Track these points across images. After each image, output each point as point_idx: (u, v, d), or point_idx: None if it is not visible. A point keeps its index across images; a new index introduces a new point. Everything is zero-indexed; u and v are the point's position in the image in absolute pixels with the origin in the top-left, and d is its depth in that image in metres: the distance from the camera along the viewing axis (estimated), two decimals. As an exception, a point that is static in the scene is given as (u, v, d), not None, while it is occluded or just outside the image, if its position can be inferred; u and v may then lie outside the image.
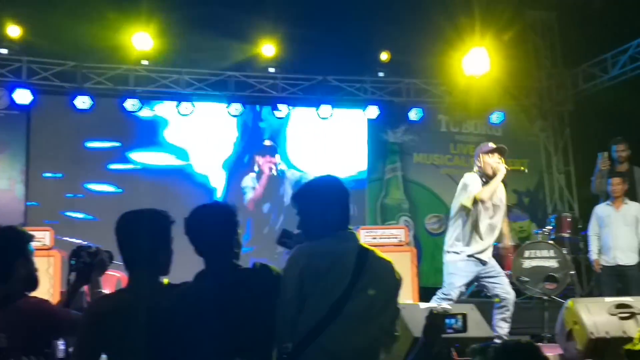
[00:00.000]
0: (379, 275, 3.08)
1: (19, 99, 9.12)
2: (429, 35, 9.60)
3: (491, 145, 6.19)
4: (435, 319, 2.93)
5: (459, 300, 6.23)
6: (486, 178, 6.03)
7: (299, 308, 2.96)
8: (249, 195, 10.37)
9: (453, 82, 10.59)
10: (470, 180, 6.06)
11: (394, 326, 3.17)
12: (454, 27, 9.77)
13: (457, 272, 6.08)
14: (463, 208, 6.02)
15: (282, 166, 10.50)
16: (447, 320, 2.92)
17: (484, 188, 5.99)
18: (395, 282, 3.17)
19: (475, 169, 6.13)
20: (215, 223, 3.03)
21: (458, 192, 6.18)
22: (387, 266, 3.16)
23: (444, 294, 6.06)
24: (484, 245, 6.10)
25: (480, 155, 6.12)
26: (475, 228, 6.04)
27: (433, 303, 5.82)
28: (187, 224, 3.03)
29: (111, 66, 9.54)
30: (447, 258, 6.13)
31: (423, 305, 5.67)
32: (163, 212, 3.08)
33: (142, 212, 3.07)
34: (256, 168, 10.44)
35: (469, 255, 6.04)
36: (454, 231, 6.12)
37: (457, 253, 6.06)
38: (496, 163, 6.03)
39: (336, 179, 3.25)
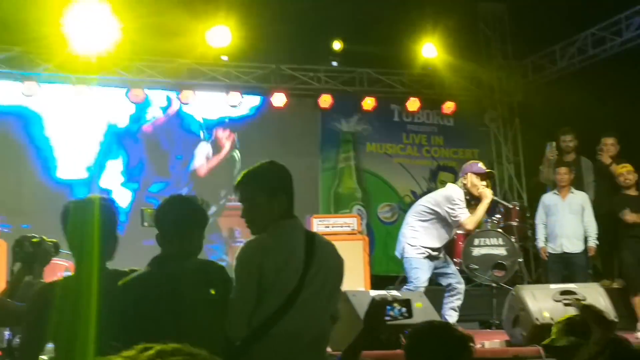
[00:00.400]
0: (327, 260, 3.11)
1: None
2: (383, 25, 9.64)
3: (481, 167, 6.34)
4: (376, 307, 2.96)
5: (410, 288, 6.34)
6: (470, 197, 6.17)
7: (256, 302, 2.96)
8: (201, 163, 10.21)
9: (406, 73, 10.68)
10: (459, 198, 6.23)
11: (338, 308, 3.22)
12: (407, 17, 9.83)
13: (422, 266, 6.22)
14: (442, 218, 6.15)
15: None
16: (387, 307, 2.96)
17: (471, 217, 6.20)
18: (340, 265, 3.20)
19: (460, 184, 6.27)
20: (186, 215, 3.07)
21: (440, 199, 6.31)
22: (332, 249, 3.19)
23: (411, 291, 6.17)
24: (440, 248, 6.35)
25: (469, 174, 6.24)
26: (440, 234, 6.26)
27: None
28: (159, 212, 3.10)
29: (59, 52, 9.33)
30: (412, 253, 6.24)
31: (373, 292, 5.74)
32: (110, 200, 3.08)
33: (89, 199, 3.05)
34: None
35: (429, 255, 6.22)
36: (422, 228, 6.27)
37: (421, 253, 6.20)
38: (483, 187, 6.18)
39: (280, 166, 3.17)
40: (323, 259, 3.08)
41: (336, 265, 3.18)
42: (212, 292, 2.95)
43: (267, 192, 3.03)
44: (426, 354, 2.66)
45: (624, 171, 7.72)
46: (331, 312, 3.15)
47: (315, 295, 3.01)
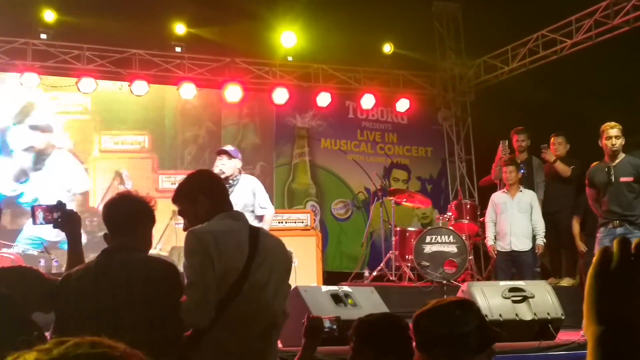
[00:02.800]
0: (273, 253, 3.15)
1: None
2: (338, 21, 9.64)
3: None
4: (312, 323, 3.19)
5: (360, 284, 6.37)
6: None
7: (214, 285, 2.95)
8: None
9: (361, 69, 10.71)
10: None
11: (286, 303, 3.24)
12: (363, 14, 9.85)
13: None
14: None
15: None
16: (326, 324, 3.29)
17: None
18: (287, 259, 3.28)
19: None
20: (134, 211, 3.09)
21: None
22: (278, 243, 3.25)
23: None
24: None
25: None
26: None
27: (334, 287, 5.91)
28: (108, 208, 3.13)
29: (10, 39, 9.11)
30: None
31: (325, 288, 5.75)
32: None
33: None
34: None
35: None
36: None
37: None
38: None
39: (198, 173, 3.46)
40: (268, 250, 3.12)
41: (283, 258, 3.23)
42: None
43: (189, 199, 3.22)
44: (372, 342, 2.70)
45: None
46: (281, 306, 3.15)
47: (262, 285, 3.04)
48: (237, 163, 6.37)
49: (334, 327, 3.32)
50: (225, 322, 2.93)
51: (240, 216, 3.27)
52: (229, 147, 6.57)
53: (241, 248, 3.03)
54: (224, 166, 6.26)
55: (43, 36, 9.22)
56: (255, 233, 3.14)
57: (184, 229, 3.21)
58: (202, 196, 3.20)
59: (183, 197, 3.25)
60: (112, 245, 3.05)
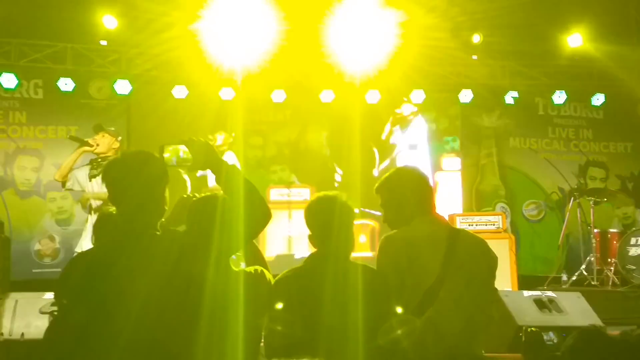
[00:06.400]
0: (473, 255, 3.08)
1: (120, 89, 9.41)
2: (523, 16, 9.31)
3: None
4: (532, 337, 2.95)
5: (565, 289, 6.07)
6: None
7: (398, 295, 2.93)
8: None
9: (551, 64, 10.27)
10: None
11: (491, 307, 3.13)
12: (551, 4, 9.43)
13: None
14: None
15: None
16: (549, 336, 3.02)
17: None
18: (490, 261, 3.17)
19: None
20: (334, 215, 3.05)
21: None
22: (481, 245, 3.17)
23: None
24: None
25: None
26: None
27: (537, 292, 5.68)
28: (309, 212, 3.10)
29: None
30: None
31: (527, 293, 5.53)
32: None
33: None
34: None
35: None
36: None
37: None
38: None
39: (410, 169, 3.36)
40: (469, 254, 3.05)
41: (485, 260, 3.14)
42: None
43: (398, 194, 3.18)
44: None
45: None
46: (484, 311, 3.06)
47: (461, 291, 2.98)
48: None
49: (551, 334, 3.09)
50: (421, 330, 2.89)
51: (439, 220, 3.22)
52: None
53: (437, 253, 3.00)
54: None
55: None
56: (454, 237, 3.08)
57: (388, 225, 3.22)
58: (410, 193, 3.18)
59: (391, 191, 3.22)
60: (319, 251, 3.08)
